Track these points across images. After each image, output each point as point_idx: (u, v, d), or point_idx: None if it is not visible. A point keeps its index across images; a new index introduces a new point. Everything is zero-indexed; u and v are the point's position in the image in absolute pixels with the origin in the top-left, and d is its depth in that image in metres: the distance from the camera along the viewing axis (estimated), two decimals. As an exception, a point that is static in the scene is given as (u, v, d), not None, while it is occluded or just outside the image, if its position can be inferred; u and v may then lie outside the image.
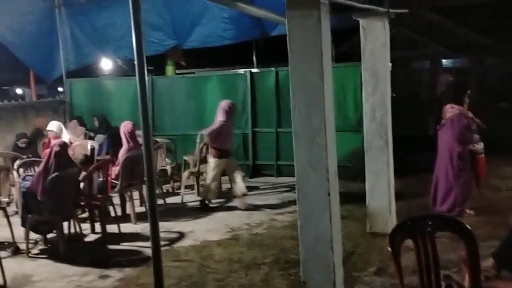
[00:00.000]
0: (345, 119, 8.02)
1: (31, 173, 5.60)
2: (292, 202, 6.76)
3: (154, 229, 3.34)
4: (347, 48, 11.61)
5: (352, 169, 7.50)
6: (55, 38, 10.16)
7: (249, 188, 7.86)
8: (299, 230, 3.44)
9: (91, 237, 5.77)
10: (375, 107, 5.06)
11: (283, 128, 8.49)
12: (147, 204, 6.42)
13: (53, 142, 5.32)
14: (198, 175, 7.27)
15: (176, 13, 9.67)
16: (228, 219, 6.22)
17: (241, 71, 9.09)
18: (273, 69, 8.73)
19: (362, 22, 4.90)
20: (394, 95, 8.49)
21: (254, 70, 9.26)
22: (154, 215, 3.34)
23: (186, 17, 9.61)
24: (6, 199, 6.51)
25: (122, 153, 6.31)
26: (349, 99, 8.03)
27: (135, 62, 3.19)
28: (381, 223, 5.13)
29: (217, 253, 5.03)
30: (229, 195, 7.37)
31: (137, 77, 3.19)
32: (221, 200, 7.19)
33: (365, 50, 4.98)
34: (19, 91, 25.80)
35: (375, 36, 4.87)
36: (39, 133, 8.39)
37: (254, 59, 10.88)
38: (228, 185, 7.84)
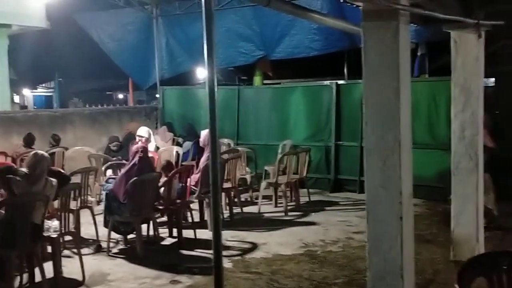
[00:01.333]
0: (436, 136, 7.55)
1: (113, 176, 5.88)
2: (372, 221, 6.48)
3: (217, 240, 3.34)
4: (444, 61, 10.97)
5: (441, 189, 7.00)
6: (151, 47, 10.72)
7: (328, 204, 7.71)
8: (367, 255, 3.24)
9: (167, 241, 5.92)
10: (465, 126, 4.67)
11: (368, 142, 8.18)
12: (226, 211, 6.54)
13: (135, 146, 5.54)
14: (276, 186, 7.22)
15: (265, 24, 9.76)
16: (303, 233, 6.08)
17: (327, 82, 8.93)
18: (360, 81, 8.44)
19: (453, 34, 4.56)
20: (497, 112, 7.86)
21: (340, 82, 9.05)
22: (217, 225, 3.34)
23: (274, 28, 9.66)
24: (95, 199, 6.91)
25: (202, 160, 6.44)
26: (441, 115, 7.54)
27: (207, 71, 3.22)
28: (466, 252, 4.71)
29: (288, 268, 4.92)
30: (306, 208, 7.23)
31: (207, 86, 3.22)
32: (298, 213, 7.07)
33: (456, 64, 4.62)
34: (121, 96, 27.64)
35: (467, 49, 4.51)
36: (131, 137, 8.83)
37: (345, 70, 10.68)
38: (306, 198, 7.72)
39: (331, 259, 5.17)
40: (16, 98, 28.49)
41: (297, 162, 7.35)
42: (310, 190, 7.91)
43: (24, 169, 4.34)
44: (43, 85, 29.93)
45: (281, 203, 7.27)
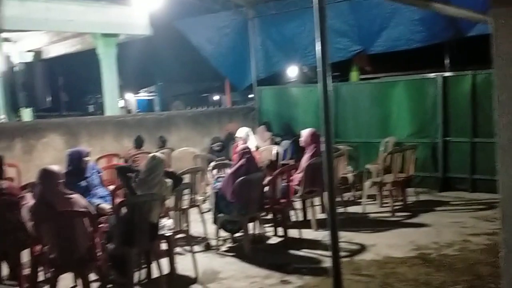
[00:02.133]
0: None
1: (222, 175, 6.00)
2: (491, 222, 6.02)
3: (334, 240, 3.25)
4: None
5: None
6: (247, 49, 10.87)
7: (438, 203, 7.30)
8: (501, 262, 2.95)
9: (273, 240, 5.94)
10: None
11: (480, 138, 7.63)
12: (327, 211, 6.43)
13: (240, 147, 5.61)
14: (381, 185, 6.96)
15: (362, 18, 9.48)
16: (414, 235, 5.79)
17: (432, 75, 8.45)
18: (469, 72, 7.91)
19: None
20: None
21: (447, 74, 8.53)
22: (334, 226, 3.25)
23: (373, 22, 9.34)
24: (202, 197, 7.13)
25: (304, 160, 6.38)
26: None
27: (318, 69, 3.15)
28: None
29: (401, 271, 4.70)
30: (414, 209, 6.90)
31: (319, 84, 3.15)
32: (405, 213, 6.77)
33: None
34: (216, 97, 28.48)
35: None
36: (231, 138, 9.02)
37: (447, 62, 10.09)
38: (413, 198, 7.37)
39: (448, 263, 4.86)
40: (121, 103, 30.52)
41: (403, 160, 7.02)
42: (417, 190, 7.54)
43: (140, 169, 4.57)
44: (145, 89, 31.72)
45: (386, 203, 7.00)
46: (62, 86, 21.43)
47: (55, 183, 3.92)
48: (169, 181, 4.58)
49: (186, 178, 5.90)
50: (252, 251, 5.37)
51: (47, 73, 9.37)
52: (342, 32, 9.66)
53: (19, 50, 13.24)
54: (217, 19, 11.10)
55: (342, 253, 5.23)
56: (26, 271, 4.39)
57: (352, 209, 7.10)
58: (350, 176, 7.62)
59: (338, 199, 6.88)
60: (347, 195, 7.57)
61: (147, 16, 11.18)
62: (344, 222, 6.36)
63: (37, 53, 13.65)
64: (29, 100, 9.13)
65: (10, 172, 6.85)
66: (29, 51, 13.50)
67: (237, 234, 5.79)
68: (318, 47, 3.12)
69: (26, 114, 10.94)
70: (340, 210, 6.81)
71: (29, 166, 7.32)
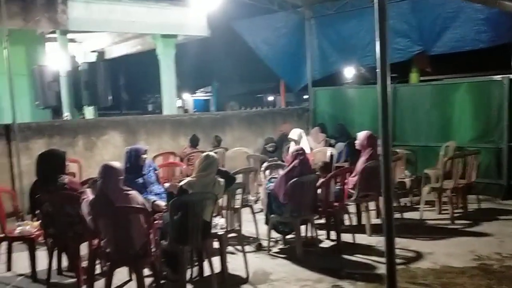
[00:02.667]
0: None
1: (275, 176, 5.97)
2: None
3: (390, 247, 3.14)
4: None
5: None
6: (302, 49, 10.80)
7: (501, 212, 6.95)
8: None
9: (326, 244, 5.84)
10: None
11: (551, 144, 7.19)
12: (383, 217, 6.25)
13: (294, 148, 5.55)
14: (441, 191, 6.68)
15: (424, 18, 9.19)
16: (475, 245, 5.51)
17: (497, 77, 8.03)
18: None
19: None
20: None
21: (515, 76, 8.09)
22: (390, 231, 3.14)
23: (435, 22, 9.03)
24: (253, 198, 7.14)
25: (360, 163, 6.23)
26: None
27: (378, 70, 3.06)
28: None
29: (460, 282, 4.48)
30: (475, 217, 6.59)
31: (378, 85, 3.05)
32: (466, 222, 6.47)
33: None
34: (270, 98, 28.55)
35: None
36: (284, 138, 8.98)
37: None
38: (475, 206, 7.04)
39: (511, 276, 4.59)
40: (179, 103, 31.29)
41: (464, 166, 6.71)
42: (479, 197, 7.18)
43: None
44: (201, 89, 32.32)
45: (445, 209, 6.71)
46: (123, 86, 22.24)
47: (115, 179, 4.04)
48: (222, 180, 4.60)
49: (239, 178, 5.93)
50: (304, 254, 5.30)
51: (109, 72, 9.70)
52: (402, 32, 9.40)
53: (84, 51, 13.86)
54: (273, 19, 11.10)
55: (398, 260, 5.09)
56: (84, 263, 4.55)
57: (408, 215, 6.86)
58: (407, 180, 7.38)
59: (394, 204, 6.70)
60: (404, 201, 7.34)
61: (205, 17, 11.37)
62: (400, 228, 6.12)
63: (100, 53, 14.24)
64: (92, 99, 9.50)
65: (72, 167, 7.16)
66: (93, 51, 14.10)
67: (289, 236, 5.74)
68: (377, 47, 3.03)
69: (89, 112, 11.41)
70: (396, 215, 6.62)
71: (90, 162, 7.63)
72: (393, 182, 6.53)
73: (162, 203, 5.18)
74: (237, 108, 18.05)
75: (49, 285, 4.63)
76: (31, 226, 4.95)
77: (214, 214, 4.65)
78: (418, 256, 5.24)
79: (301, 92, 16.52)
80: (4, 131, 7.17)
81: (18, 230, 4.92)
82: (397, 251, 5.32)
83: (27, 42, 10.50)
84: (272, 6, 10.46)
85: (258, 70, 16.24)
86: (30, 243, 4.84)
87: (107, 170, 4.02)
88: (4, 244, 5.01)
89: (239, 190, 5.27)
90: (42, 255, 4.93)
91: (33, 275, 4.84)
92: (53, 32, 10.45)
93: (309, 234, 5.85)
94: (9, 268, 5.07)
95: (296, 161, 5.29)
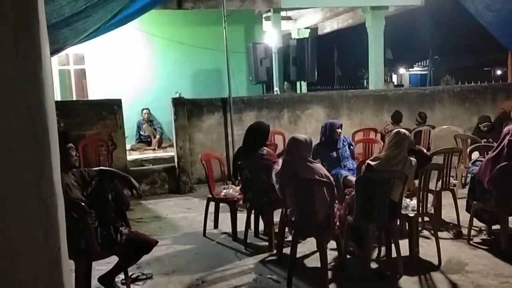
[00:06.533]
0: None
1: (481, 158, 5.36)
2: None
3: None
4: None
5: None
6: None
7: None
8: None
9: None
10: None
11: None
12: None
13: (507, 129, 4.85)
14: None
15: None
16: None
17: None
18: None
19: None
20: None
21: None
22: None
23: None
24: (459, 181, 6.55)
25: None
26: None
27: None
28: None
29: None
30: None
31: None
32: None
33: None
34: (499, 72, 25.39)
35: None
36: (505, 117, 7.93)
37: None
38: None
39: None
40: (394, 78, 30.27)
41: None
42: None
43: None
44: (418, 63, 30.64)
45: None
46: (336, 61, 22.52)
47: (301, 150, 4.19)
48: (413, 160, 4.33)
49: (439, 159, 5.50)
50: (509, 248, 4.67)
51: (315, 49, 9.95)
52: None
53: (298, 27, 14.48)
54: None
55: None
56: (277, 229, 4.86)
57: None
58: None
59: None
60: None
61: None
62: None
63: (313, 29, 14.66)
64: (299, 74, 9.91)
65: (277, 139, 7.66)
66: (306, 28, 14.62)
67: (494, 227, 5.11)
68: None
69: (301, 87, 11.93)
70: None
71: (294, 134, 8.02)
72: None
73: (353, 178, 5.16)
74: (452, 83, 16.55)
75: (246, 245, 5.10)
76: (233, 190, 5.50)
77: (405, 195, 4.44)
78: None
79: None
80: (221, 104, 8.05)
81: (223, 192, 5.52)
82: None
83: (246, 21, 11.38)
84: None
85: (483, 41, 14.57)
86: (232, 205, 5.39)
87: (293, 142, 4.19)
88: (212, 205, 5.68)
89: (434, 172, 4.89)
90: (242, 217, 5.44)
91: (233, 234, 5.39)
92: (269, 11, 11.15)
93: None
94: (215, 226, 5.75)
95: (504, 142, 4.64)
